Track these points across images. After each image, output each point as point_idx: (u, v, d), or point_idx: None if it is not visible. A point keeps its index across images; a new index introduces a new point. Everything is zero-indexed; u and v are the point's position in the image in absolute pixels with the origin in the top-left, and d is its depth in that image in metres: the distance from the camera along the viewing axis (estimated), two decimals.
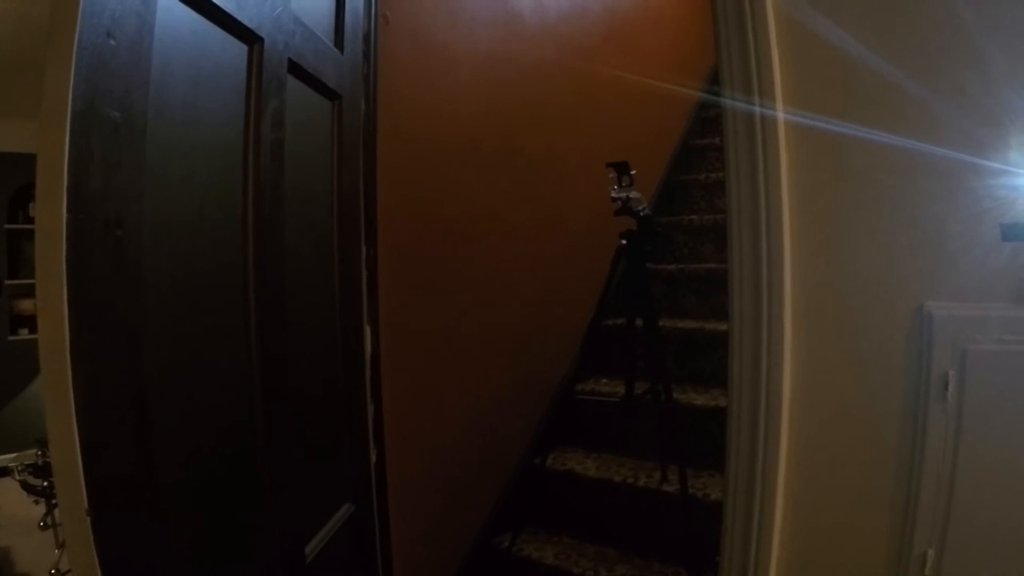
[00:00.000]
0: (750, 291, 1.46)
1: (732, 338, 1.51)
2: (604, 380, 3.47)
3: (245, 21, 1.37)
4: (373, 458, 2.15)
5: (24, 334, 5.73)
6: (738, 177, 1.47)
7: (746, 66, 1.44)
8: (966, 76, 1.31)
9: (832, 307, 1.42)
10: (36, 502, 3.84)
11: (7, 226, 5.68)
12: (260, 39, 1.43)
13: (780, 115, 1.42)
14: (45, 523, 3.78)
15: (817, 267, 1.43)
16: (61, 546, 3.58)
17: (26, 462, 3.92)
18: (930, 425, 1.33)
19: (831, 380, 1.43)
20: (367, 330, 2.13)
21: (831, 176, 1.41)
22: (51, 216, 0.94)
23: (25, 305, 5.75)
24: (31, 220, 5.65)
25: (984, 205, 1.31)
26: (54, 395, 0.96)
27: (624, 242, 2.64)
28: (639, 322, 2.73)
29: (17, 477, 3.86)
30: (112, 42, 1.02)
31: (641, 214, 2.61)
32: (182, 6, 1.20)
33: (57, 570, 3.45)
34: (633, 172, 2.56)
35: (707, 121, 4.91)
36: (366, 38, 2.09)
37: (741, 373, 1.49)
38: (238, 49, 1.39)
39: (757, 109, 1.42)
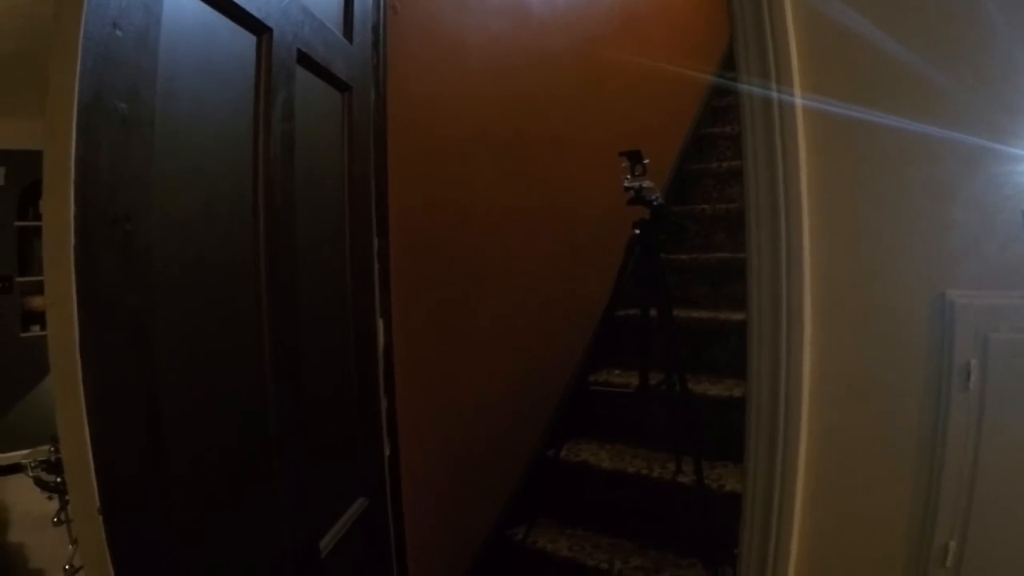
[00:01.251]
0: (769, 279, 1.44)
1: (751, 327, 1.49)
2: (617, 371, 3.46)
3: (253, 11, 1.35)
4: (387, 452, 2.14)
5: (36, 331, 5.75)
6: (756, 164, 1.45)
7: (763, 51, 1.42)
8: (985, 62, 1.29)
9: (852, 295, 1.41)
10: (50, 498, 3.86)
11: (17, 223, 5.70)
12: (269, 29, 1.42)
13: (798, 100, 1.40)
14: (59, 519, 3.79)
15: (836, 255, 1.41)
16: (75, 542, 3.59)
17: (39, 458, 3.94)
18: (952, 415, 1.32)
19: (852, 370, 1.42)
20: (379, 323, 2.12)
21: (850, 162, 1.40)
22: (59, 210, 0.93)
23: (36, 302, 5.78)
24: (40, 217, 5.66)
25: (1005, 192, 1.29)
26: (64, 391, 0.96)
27: (637, 231, 2.62)
28: (653, 312, 2.71)
29: (31, 473, 3.88)
30: (119, 33, 1.00)
31: (654, 203, 2.59)
32: None
33: (71, 566, 3.46)
34: (646, 161, 2.54)
35: (718, 110, 4.88)
36: (375, 28, 2.07)
37: (760, 363, 1.47)
38: (247, 40, 1.38)
39: (775, 94, 1.40)
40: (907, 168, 1.35)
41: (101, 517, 0.97)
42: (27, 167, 5.48)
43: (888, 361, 1.39)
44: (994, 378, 1.30)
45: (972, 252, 1.32)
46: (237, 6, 1.30)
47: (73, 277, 0.93)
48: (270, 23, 1.41)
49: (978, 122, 1.30)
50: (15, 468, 4.64)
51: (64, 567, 3.48)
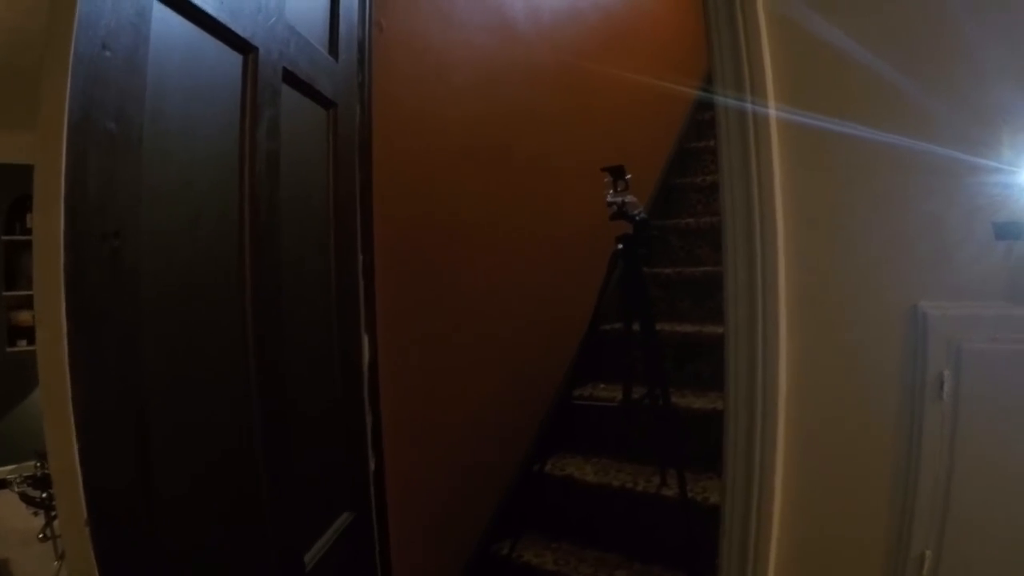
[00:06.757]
0: (744, 289, 1.47)
1: (727, 338, 1.51)
2: (602, 385, 3.47)
3: (239, 31, 1.37)
4: (372, 466, 2.15)
5: (22, 345, 5.73)
6: (731, 175, 1.48)
7: (737, 63, 1.44)
8: (958, 74, 1.32)
9: (826, 307, 1.43)
10: (35, 514, 3.84)
11: (4, 238, 5.68)
12: (255, 49, 1.43)
13: (772, 112, 1.42)
14: (44, 535, 3.77)
15: (811, 266, 1.43)
16: (60, 557, 3.57)
17: (25, 474, 3.92)
18: (926, 425, 1.34)
19: (827, 381, 1.44)
20: (364, 338, 2.13)
21: (823, 174, 1.42)
22: (49, 227, 0.94)
23: (23, 316, 5.75)
24: (28, 231, 5.65)
25: (977, 203, 1.31)
26: (53, 405, 0.97)
27: (620, 246, 2.64)
28: (636, 326, 2.73)
29: (16, 489, 3.86)
30: (108, 54, 1.02)
31: (637, 218, 2.61)
32: (177, 17, 1.20)
33: None
34: (628, 176, 2.57)
35: (703, 124, 4.90)
36: (360, 46, 2.09)
37: (737, 374, 1.49)
38: (233, 59, 1.40)
39: (749, 106, 1.43)
40: (880, 179, 1.37)
41: (88, 529, 0.98)
42: (14, 181, 5.46)
43: (863, 372, 1.41)
44: (967, 388, 1.31)
45: (945, 263, 1.35)
46: (224, 26, 1.32)
47: (63, 293, 0.95)
48: (256, 42, 1.43)
49: (951, 134, 1.32)
50: (1, 484, 4.61)
51: None
